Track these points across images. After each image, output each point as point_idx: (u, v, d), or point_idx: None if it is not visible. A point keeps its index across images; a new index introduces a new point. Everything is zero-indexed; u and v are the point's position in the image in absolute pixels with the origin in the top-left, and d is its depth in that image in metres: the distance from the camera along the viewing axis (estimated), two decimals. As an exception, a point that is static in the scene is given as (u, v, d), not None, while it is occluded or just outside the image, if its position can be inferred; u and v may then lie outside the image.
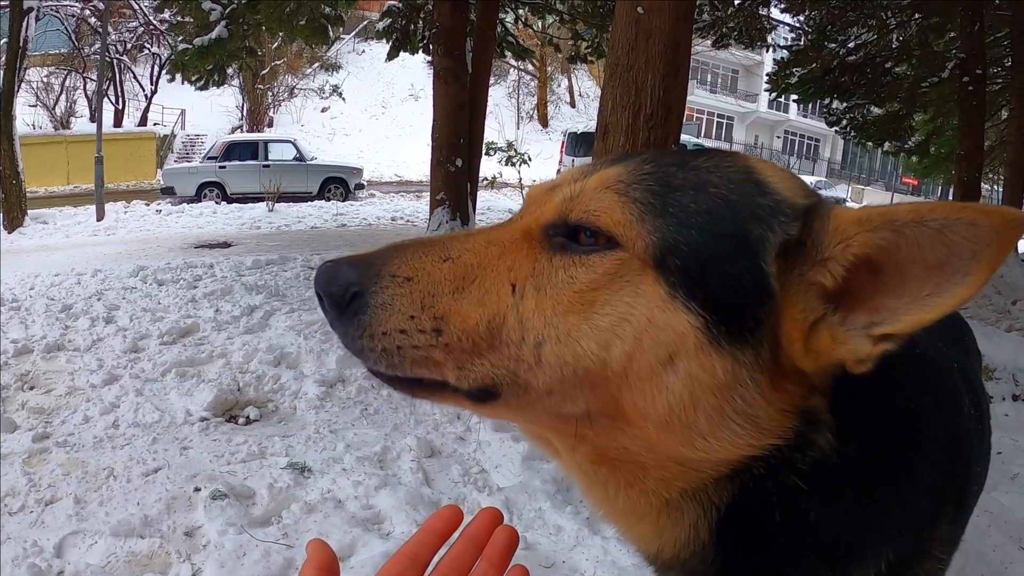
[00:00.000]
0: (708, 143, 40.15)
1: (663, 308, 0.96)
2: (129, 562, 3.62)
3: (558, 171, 31.88)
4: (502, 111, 46.03)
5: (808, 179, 40.39)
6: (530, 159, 24.48)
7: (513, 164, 23.80)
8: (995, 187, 29.75)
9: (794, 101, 29.23)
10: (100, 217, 20.39)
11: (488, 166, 19.95)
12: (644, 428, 1.01)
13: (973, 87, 14.25)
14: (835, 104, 19.46)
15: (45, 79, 38.50)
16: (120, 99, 40.62)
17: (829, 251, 0.96)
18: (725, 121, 59.02)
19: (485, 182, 19.86)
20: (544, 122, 51.59)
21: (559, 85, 54.45)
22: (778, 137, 61.34)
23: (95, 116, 27.09)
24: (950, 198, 15.15)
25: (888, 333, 0.92)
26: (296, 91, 46.29)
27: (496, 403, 1.06)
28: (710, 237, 0.96)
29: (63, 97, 39.87)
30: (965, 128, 15.01)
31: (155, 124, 40.63)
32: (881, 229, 0.92)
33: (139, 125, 40.11)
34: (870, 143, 22.04)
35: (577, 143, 29.63)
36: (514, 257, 1.07)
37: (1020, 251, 16.42)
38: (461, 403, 1.09)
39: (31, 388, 6.10)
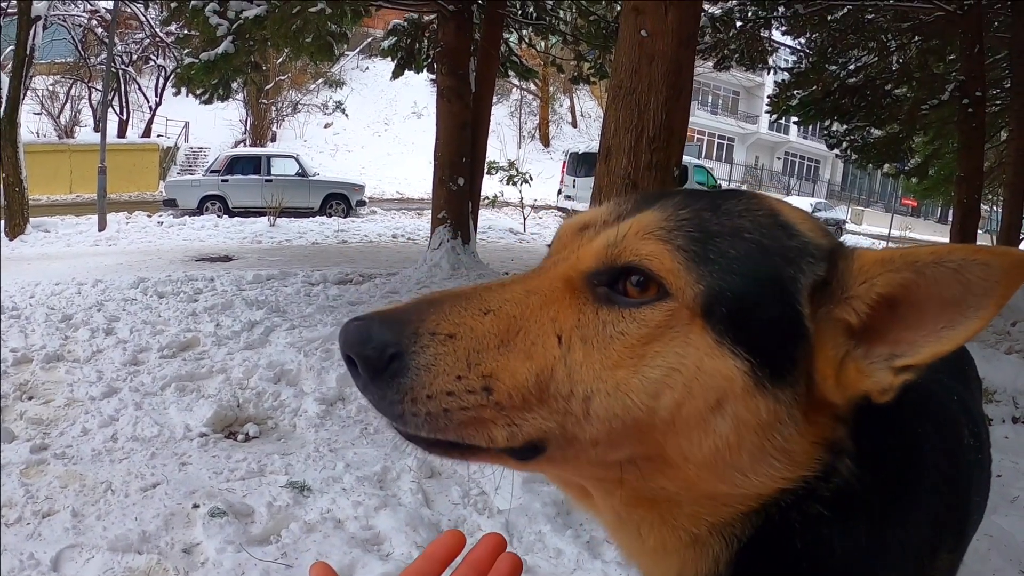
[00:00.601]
0: (708, 163, 40.21)
1: (711, 355, 0.95)
2: (126, 578, 3.61)
3: (559, 191, 32.09)
4: (504, 130, 46.07)
5: (808, 200, 40.65)
6: (531, 178, 24.60)
7: (514, 183, 23.94)
8: (995, 208, 29.82)
9: (794, 123, 29.35)
10: (102, 227, 20.42)
11: (490, 185, 20.02)
12: (686, 469, 1.00)
13: (972, 109, 14.29)
14: (835, 126, 19.59)
15: (50, 87, 38.49)
16: (124, 110, 40.67)
17: (854, 290, 0.99)
18: (726, 142, 59.16)
19: (487, 201, 19.92)
20: (546, 142, 51.61)
21: (561, 105, 54.57)
22: (778, 158, 61.47)
23: (99, 126, 27.10)
24: (950, 219, 15.24)
25: (908, 364, 0.96)
26: (300, 106, 46.34)
27: (540, 458, 1.02)
28: (751, 283, 0.97)
29: (68, 106, 39.83)
30: (964, 150, 15.07)
31: (159, 136, 40.66)
32: (903, 270, 0.96)
33: (143, 136, 40.10)
34: (870, 165, 22.10)
35: (578, 163, 29.74)
36: (557, 307, 1.03)
37: None
38: (502, 461, 1.05)
39: (30, 398, 6.10)
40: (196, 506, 4.21)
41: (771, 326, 0.97)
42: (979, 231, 15.52)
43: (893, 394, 0.97)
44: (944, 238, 14.43)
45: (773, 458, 0.98)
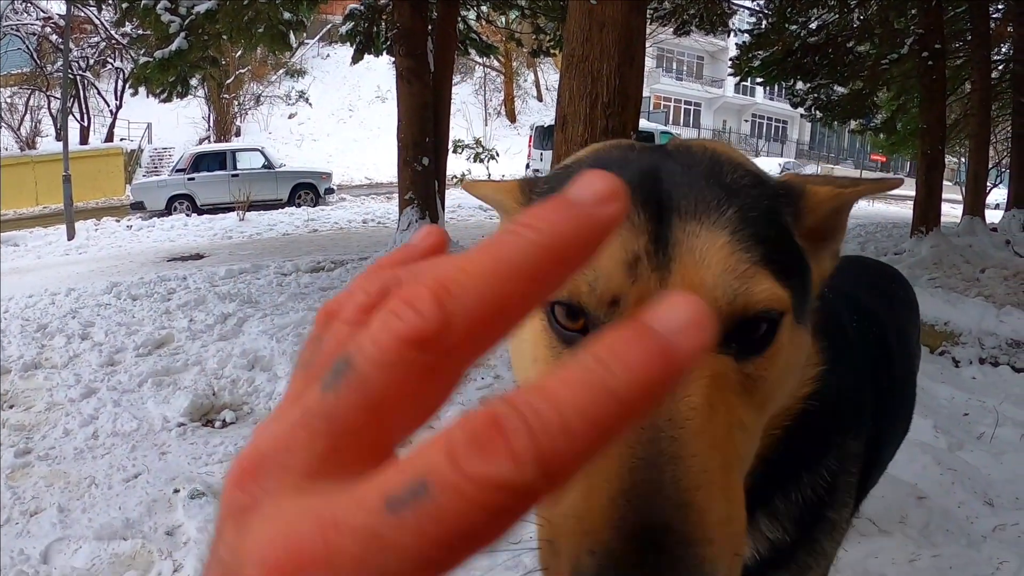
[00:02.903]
0: (676, 130, 40.18)
1: (797, 335, 1.06)
2: (113, 563, 3.75)
3: (527, 165, 32.07)
4: (469, 108, 45.90)
5: (777, 160, 40.63)
6: (498, 155, 24.66)
7: (481, 160, 24.01)
8: (963, 160, 29.96)
9: (758, 84, 29.37)
10: (71, 236, 20.32)
11: (457, 164, 20.02)
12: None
13: (932, 61, 14.41)
14: (799, 85, 19.54)
15: (8, 99, 38.19)
16: (85, 116, 40.32)
17: (809, 219, 1.16)
18: (692, 107, 58.92)
19: (454, 180, 19.94)
20: (512, 117, 51.36)
21: (525, 80, 54.22)
22: (746, 121, 61.22)
23: (61, 134, 26.94)
24: (917, 172, 15.33)
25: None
26: (262, 99, 46.00)
27: None
28: (785, 251, 1.04)
29: (28, 117, 39.52)
30: (926, 102, 15.16)
31: (122, 139, 40.31)
32: (837, 200, 1.19)
33: (105, 141, 39.74)
34: (836, 122, 22.16)
35: (545, 136, 29.61)
36: (732, 410, 0.95)
37: (988, 221, 16.68)
38: None
39: (11, 407, 6.19)
40: (176, 491, 4.35)
41: (799, 274, 1.05)
42: (947, 182, 15.60)
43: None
44: (913, 191, 14.50)
45: (800, 371, 1.15)
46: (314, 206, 27.12)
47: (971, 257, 11.82)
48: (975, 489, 4.13)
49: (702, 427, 0.83)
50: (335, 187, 29.99)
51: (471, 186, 1.45)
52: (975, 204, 16.36)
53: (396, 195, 14.94)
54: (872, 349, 1.79)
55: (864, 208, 33.23)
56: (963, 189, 21.87)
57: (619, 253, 0.93)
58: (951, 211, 18.01)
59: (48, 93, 39.09)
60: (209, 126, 43.66)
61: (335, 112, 48.46)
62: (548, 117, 33.37)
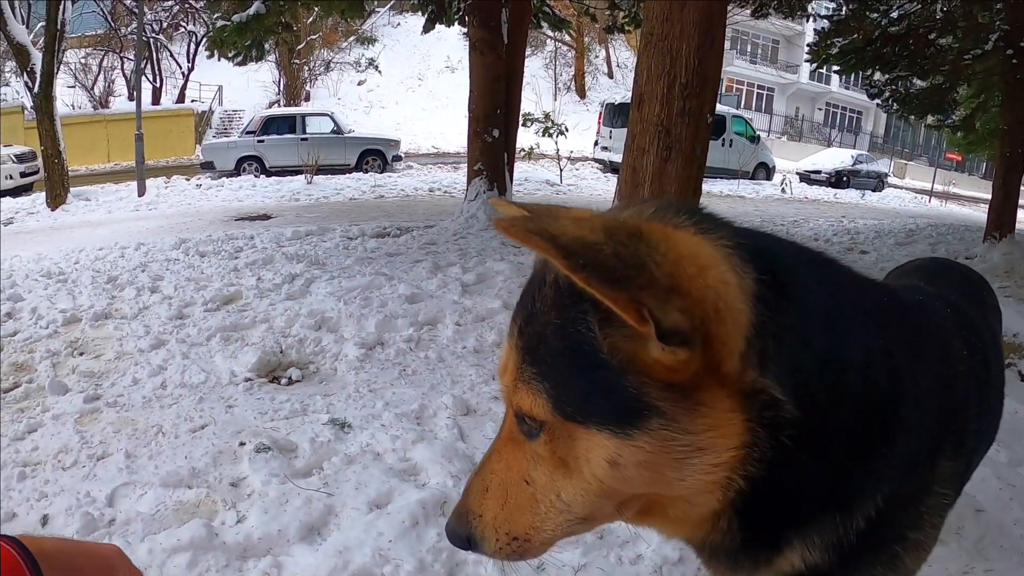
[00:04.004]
0: (748, 114, 39.33)
1: (589, 439, 1.16)
2: (177, 510, 3.78)
3: (595, 142, 31.92)
4: (539, 82, 45.67)
5: (849, 152, 39.52)
6: (567, 130, 24.46)
7: (550, 135, 23.81)
8: None
9: (835, 72, 28.66)
10: (141, 193, 20.71)
11: (526, 137, 19.91)
12: (647, 494, 1.25)
13: (1017, 60, 13.84)
14: (877, 76, 18.92)
15: (83, 60, 38.82)
16: (157, 77, 40.93)
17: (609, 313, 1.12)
18: (765, 92, 57.64)
19: (522, 153, 19.83)
20: (582, 93, 51.03)
21: (596, 56, 53.67)
22: (819, 109, 59.71)
23: (133, 95, 27.33)
24: (994, 175, 14.77)
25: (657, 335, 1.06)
26: (332, 65, 46.23)
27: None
28: (567, 375, 1.16)
29: (101, 77, 40.16)
30: (1008, 102, 14.64)
31: (193, 101, 40.89)
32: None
33: (177, 102, 40.37)
34: (913, 116, 21.52)
35: (615, 114, 29.37)
36: (516, 462, 1.33)
37: None
38: None
39: (81, 354, 6.30)
40: (242, 444, 4.37)
41: (599, 395, 1.13)
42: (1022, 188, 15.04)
43: (684, 353, 1.06)
44: (989, 194, 14.05)
45: (692, 459, 1.13)
46: (381, 172, 27.15)
47: None
48: None
49: (488, 475, 1.37)
50: (402, 155, 30.10)
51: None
52: None
53: (463, 165, 14.93)
54: (978, 366, 1.69)
55: (936, 208, 32.49)
56: None
57: None
58: None
59: (121, 55, 39.77)
60: (279, 90, 43.98)
61: (404, 80, 48.54)
62: (619, 94, 33.18)
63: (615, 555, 3.39)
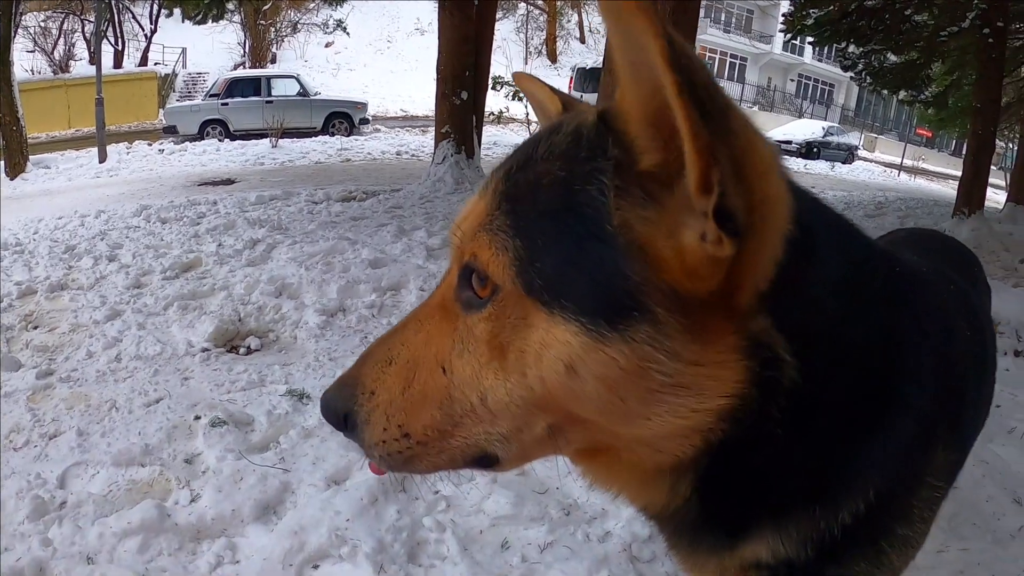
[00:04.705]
0: (720, 83, 39.30)
1: (548, 328, 0.97)
2: (130, 490, 3.66)
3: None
4: (510, 46, 45.41)
5: (821, 123, 39.88)
6: (537, 94, 24.30)
7: (520, 99, 23.63)
8: (1010, 144, 29.38)
9: (810, 43, 28.62)
10: (102, 159, 20.42)
11: (495, 101, 19.80)
12: (598, 424, 1.04)
13: (993, 39, 13.96)
14: (851, 49, 18.94)
15: (42, 23, 38.11)
16: (119, 40, 40.21)
17: (632, 137, 0.93)
18: (738, 62, 57.35)
19: (491, 117, 19.72)
20: (553, 57, 50.88)
21: (569, 20, 53.61)
22: (792, 80, 59.55)
23: (94, 58, 26.90)
24: (964, 153, 15.02)
25: (696, 179, 0.85)
26: (299, 26, 45.63)
27: (498, 466, 1.15)
28: (552, 238, 0.97)
29: (61, 41, 39.41)
30: (982, 80, 14.73)
31: (156, 64, 40.17)
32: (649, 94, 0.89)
33: (139, 65, 39.71)
34: (885, 91, 21.63)
35: (586, 79, 29.56)
36: (438, 339, 1.12)
37: None
38: (473, 468, 1.18)
39: (35, 328, 6.13)
40: (197, 417, 4.25)
41: (588, 274, 0.94)
42: (992, 167, 15.31)
43: (729, 245, 0.88)
44: (958, 171, 14.29)
45: (668, 395, 0.96)
46: (348, 136, 26.92)
47: (1011, 245, 11.67)
48: (1004, 485, 3.93)
49: (396, 346, 1.16)
50: (370, 118, 29.91)
51: (525, 78, 1.47)
52: (1020, 192, 16.10)
53: (432, 129, 14.81)
54: (977, 348, 1.55)
55: (905, 182, 32.97)
56: (1007, 175, 21.37)
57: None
58: (992, 196, 17.67)
59: (82, 17, 38.97)
60: (245, 52, 43.47)
61: (373, 43, 48.13)
62: (590, 59, 33.34)
63: (582, 532, 3.29)
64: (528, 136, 1.15)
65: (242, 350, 5.56)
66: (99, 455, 3.94)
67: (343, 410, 1.18)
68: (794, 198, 0.94)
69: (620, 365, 0.93)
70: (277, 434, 4.11)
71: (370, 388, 1.16)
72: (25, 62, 34.37)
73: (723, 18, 56.97)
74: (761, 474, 1.06)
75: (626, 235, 0.91)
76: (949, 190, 17.11)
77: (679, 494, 1.11)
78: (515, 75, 1.20)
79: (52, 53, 38.41)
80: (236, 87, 27.42)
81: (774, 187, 0.89)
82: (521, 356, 1.00)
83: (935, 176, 40.54)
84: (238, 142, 23.74)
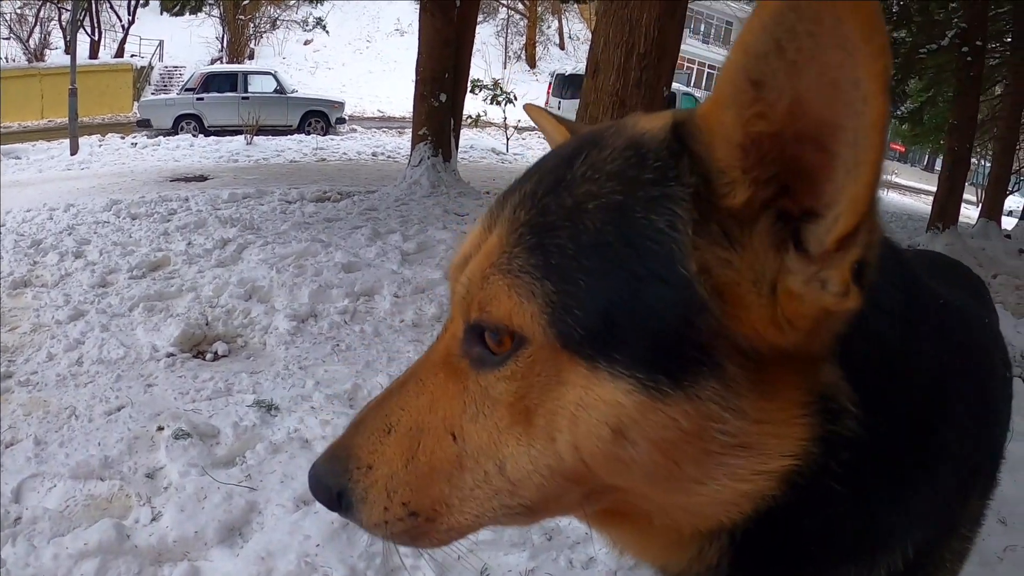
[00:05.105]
0: (698, 93, 39.63)
1: (589, 387, 0.82)
2: (88, 506, 3.49)
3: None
4: (489, 50, 45.50)
5: None
6: (516, 98, 24.34)
7: (498, 103, 23.68)
8: (983, 161, 29.73)
9: None
10: (74, 151, 20.12)
11: (473, 105, 19.78)
12: (638, 490, 0.90)
13: (972, 58, 14.28)
14: None
15: (19, 11, 37.68)
16: (96, 30, 39.78)
17: (720, 164, 0.77)
18: (716, 73, 57.86)
19: (469, 120, 19.70)
20: (532, 63, 50.96)
21: (549, 26, 53.74)
22: None
23: (69, 47, 26.58)
24: (936, 168, 15.35)
25: (843, 232, 0.71)
26: (278, 23, 45.38)
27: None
28: (599, 277, 0.81)
29: (37, 29, 39.00)
30: (960, 98, 15.11)
31: (132, 56, 39.73)
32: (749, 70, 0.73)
33: (116, 56, 39.26)
34: None
35: (565, 85, 29.58)
36: (445, 402, 0.98)
37: (1003, 227, 16.63)
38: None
39: (-6, 326, 5.92)
40: (160, 428, 4.08)
41: (647, 322, 0.79)
42: (966, 183, 15.72)
43: (856, 295, 0.74)
44: (931, 186, 14.53)
45: (729, 457, 0.82)
46: (324, 135, 26.75)
47: (984, 261, 11.85)
48: (992, 506, 3.87)
49: (394, 412, 1.01)
50: (347, 117, 29.75)
51: (534, 109, 1.39)
52: (992, 208, 16.39)
53: (408, 130, 14.74)
54: (1008, 386, 1.44)
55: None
56: (979, 191, 21.58)
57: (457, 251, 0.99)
58: (964, 211, 17.96)
59: (59, 5, 38.44)
60: (222, 47, 43.17)
61: (352, 42, 48.00)
62: (570, 65, 33.52)
63: (565, 558, 3.16)
64: (546, 153, 0.99)
65: (209, 356, 5.39)
66: (56, 467, 3.76)
67: (336, 487, 1.03)
68: None
69: (679, 426, 0.80)
70: (243, 448, 3.94)
71: (366, 462, 1.01)
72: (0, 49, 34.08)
73: (703, 29, 57.51)
74: (806, 538, 0.92)
75: (702, 279, 0.77)
76: (922, 204, 17.35)
77: (705, 560, 0.96)
78: (525, 107, 1.06)
79: (28, 41, 37.98)
80: (212, 82, 27.10)
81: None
82: (551, 419, 0.86)
83: (907, 190, 41.17)
84: (212, 138, 23.48)
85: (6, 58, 35.70)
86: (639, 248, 0.79)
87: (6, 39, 36.43)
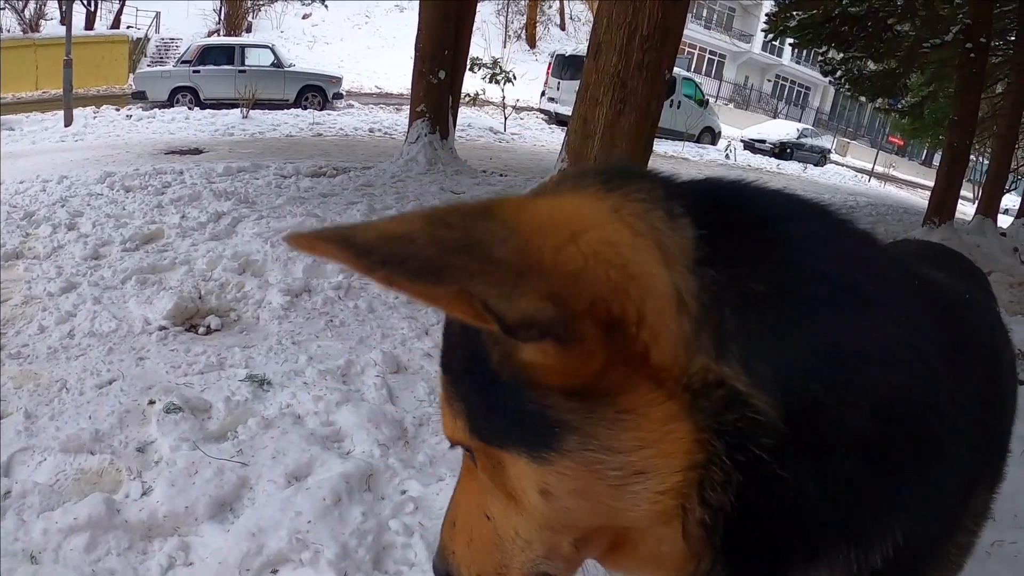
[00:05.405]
0: (698, 78, 39.53)
1: (512, 465, 0.95)
2: (78, 480, 3.46)
3: (542, 93, 31.85)
4: (489, 28, 45.28)
5: (796, 125, 40.38)
6: (515, 78, 24.27)
7: (497, 82, 23.65)
8: (981, 158, 29.72)
9: (790, 45, 28.87)
10: (68, 123, 20.00)
11: (472, 83, 19.74)
12: (601, 525, 0.99)
13: (975, 54, 14.22)
14: (832, 54, 19.33)
15: (14, -20, 37.46)
16: (92, 1, 39.57)
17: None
18: (716, 58, 57.69)
19: (467, 98, 19.63)
20: (532, 43, 50.68)
21: (550, 7, 53.51)
22: (769, 81, 60.21)
23: (65, 18, 26.39)
24: (934, 163, 15.35)
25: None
26: (276, -4, 45.28)
27: None
28: (474, 390, 0.95)
29: (32, -2, 38.81)
30: (961, 94, 15.03)
31: (128, 27, 39.42)
32: None
33: (111, 27, 39.01)
34: (862, 97, 21.95)
35: (564, 66, 29.49)
36: (475, 493, 1.14)
37: (998, 224, 16.65)
38: None
39: (-15, 298, 5.88)
40: (152, 402, 4.04)
41: (505, 409, 0.89)
42: (963, 179, 15.81)
43: (553, 351, 0.77)
44: (928, 180, 14.58)
45: (632, 485, 0.86)
46: (321, 110, 26.64)
47: (979, 258, 11.74)
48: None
49: (454, 505, 1.21)
50: (344, 93, 29.63)
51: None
52: (989, 205, 16.40)
53: (406, 107, 14.71)
54: (1017, 381, 1.35)
55: (875, 188, 33.61)
56: (975, 187, 21.55)
57: None
58: (961, 207, 18.02)
59: (55, -25, 38.23)
60: (220, 19, 42.87)
61: (351, 17, 47.69)
62: (570, 46, 33.42)
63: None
64: None
65: (201, 329, 5.35)
66: (47, 440, 3.71)
67: (443, 571, 1.24)
68: (711, 207, 0.84)
69: (574, 477, 0.87)
70: (235, 423, 3.91)
71: (451, 549, 1.22)
72: (-6, 19, 33.88)
73: (704, 14, 57.25)
74: (780, 523, 0.87)
75: (507, 367, 0.85)
76: (918, 198, 17.46)
77: (703, 572, 0.95)
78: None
79: (23, 11, 37.69)
80: (209, 55, 26.94)
81: (596, 244, 0.77)
82: (516, 493, 0.98)
83: (905, 184, 41.34)
84: (208, 111, 23.33)
85: (1, 28, 35.47)
86: (476, 364, 0.89)
87: (1, 9, 36.18)
